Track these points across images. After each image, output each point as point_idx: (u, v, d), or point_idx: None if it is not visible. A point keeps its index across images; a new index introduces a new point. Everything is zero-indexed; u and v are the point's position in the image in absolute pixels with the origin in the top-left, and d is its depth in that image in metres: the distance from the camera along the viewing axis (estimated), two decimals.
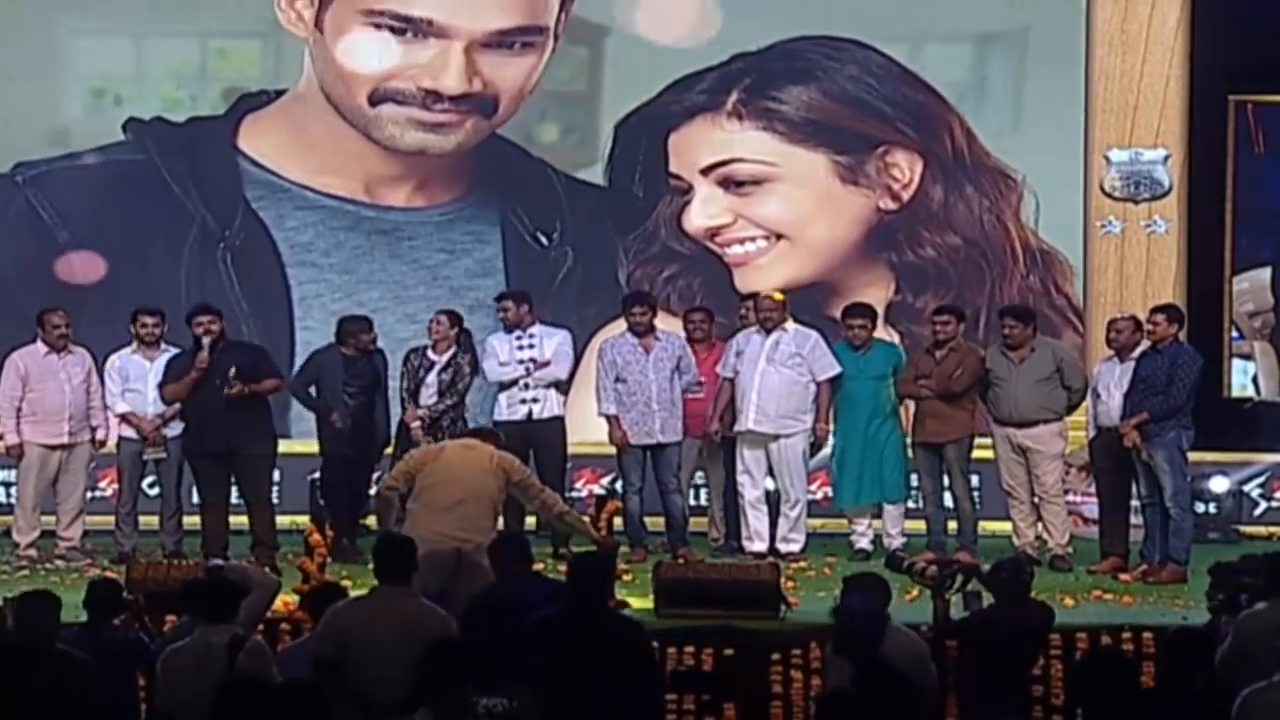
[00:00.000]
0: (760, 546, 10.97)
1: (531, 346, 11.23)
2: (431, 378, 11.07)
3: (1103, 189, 12.87)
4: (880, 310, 11.89)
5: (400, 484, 9.06)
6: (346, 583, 8.91)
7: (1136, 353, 10.62)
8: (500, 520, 9.32)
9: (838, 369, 11.07)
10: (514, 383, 11.18)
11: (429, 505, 8.88)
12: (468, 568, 8.57)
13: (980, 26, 13.15)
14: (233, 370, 10.48)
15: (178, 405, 10.86)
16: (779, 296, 11.25)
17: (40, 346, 10.86)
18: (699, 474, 11.74)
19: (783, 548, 10.96)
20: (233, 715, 5.94)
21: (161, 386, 10.71)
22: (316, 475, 11.14)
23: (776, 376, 10.98)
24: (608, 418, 11.13)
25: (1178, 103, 12.81)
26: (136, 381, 10.94)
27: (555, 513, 9.39)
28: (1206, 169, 12.86)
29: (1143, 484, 10.52)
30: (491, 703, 6.45)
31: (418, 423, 10.96)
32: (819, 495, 11.89)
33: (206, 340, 10.54)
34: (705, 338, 11.47)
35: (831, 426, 11.14)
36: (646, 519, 11.18)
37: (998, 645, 7.69)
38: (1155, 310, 10.77)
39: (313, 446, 11.28)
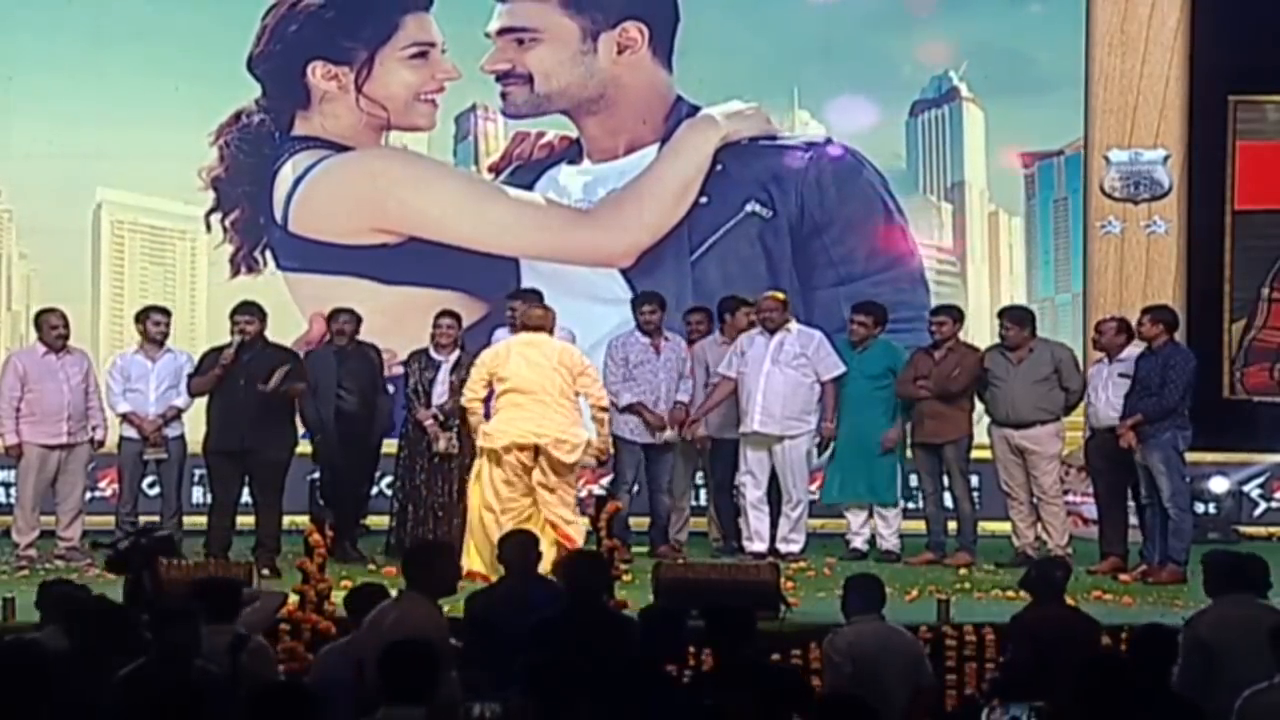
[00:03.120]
0: (760, 547, 10.97)
1: None
2: (442, 377, 11.01)
3: (1102, 189, 12.86)
4: None
5: (481, 390, 9.84)
6: (346, 584, 8.90)
7: (1125, 354, 10.62)
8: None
9: (842, 368, 11.07)
10: None
11: (508, 403, 9.79)
12: (549, 462, 9.61)
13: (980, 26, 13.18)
14: (283, 372, 10.40)
15: (178, 406, 10.91)
16: (780, 296, 11.25)
17: (39, 347, 10.85)
18: (697, 474, 11.76)
19: (783, 548, 10.96)
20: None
21: (190, 378, 10.72)
22: (316, 475, 11.12)
23: (781, 377, 10.97)
24: (632, 408, 11.08)
25: (1177, 103, 12.81)
26: (138, 381, 10.93)
27: (593, 414, 10.03)
28: (1206, 169, 12.86)
29: (1142, 485, 10.51)
30: (484, 707, 6.41)
31: (431, 421, 10.88)
32: (819, 495, 11.87)
33: (237, 339, 10.54)
34: (704, 335, 11.49)
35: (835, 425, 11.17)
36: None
37: (1028, 644, 7.61)
38: (1144, 311, 10.78)
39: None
